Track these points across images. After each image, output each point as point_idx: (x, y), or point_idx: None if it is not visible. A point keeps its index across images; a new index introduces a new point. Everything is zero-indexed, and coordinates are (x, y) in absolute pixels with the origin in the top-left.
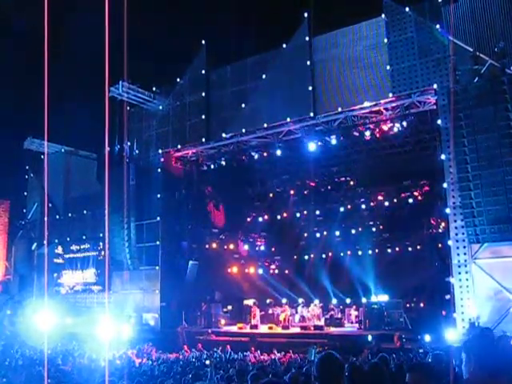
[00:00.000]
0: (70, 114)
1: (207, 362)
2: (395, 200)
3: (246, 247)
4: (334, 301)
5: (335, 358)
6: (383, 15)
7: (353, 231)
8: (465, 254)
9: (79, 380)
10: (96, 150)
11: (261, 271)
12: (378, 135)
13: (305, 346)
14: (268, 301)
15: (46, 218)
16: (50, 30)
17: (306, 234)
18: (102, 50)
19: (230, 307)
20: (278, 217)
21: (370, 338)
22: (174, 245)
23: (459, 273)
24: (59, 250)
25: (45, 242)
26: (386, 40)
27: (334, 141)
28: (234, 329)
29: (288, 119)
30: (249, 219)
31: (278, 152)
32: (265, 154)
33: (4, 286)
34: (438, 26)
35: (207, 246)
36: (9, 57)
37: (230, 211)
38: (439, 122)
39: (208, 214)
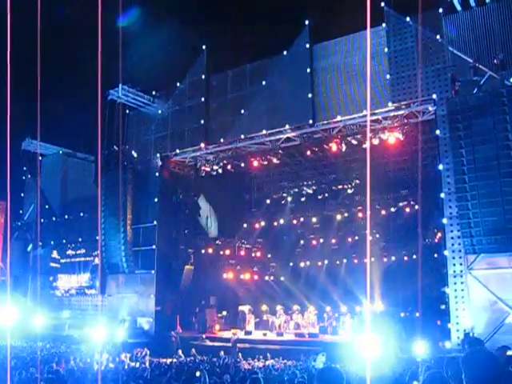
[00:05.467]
0: (69, 116)
1: (197, 374)
2: (392, 209)
3: (242, 253)
4: (329, 308)
5: (335, 370)
6: (384, 24)
7: (349, 239)
8: (461, 264)
9: (72, 383)
10: (94, 153)
11: (256, 277)
12: (376, 144)
13: (299, 353)
14: (263, 307)
15: (40, 220)
16: (41, 30)
17: (302, 242)
18: (102, 53)
19: (224, 313)
20: (275, 223)
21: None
22: (170, 249)
23: (455, 283)
24: (55, 253)
25: (40, 243)
26: (386, 49)
27: (332, 148)
28: (228, 334)
29: (287, 126)
30: (245, 225)
31: (276, 159)
32: (263, 161)
33: None
34: (438, 37)
35: (203, 251)
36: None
37: (227, 217)
38: (438, 132)
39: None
